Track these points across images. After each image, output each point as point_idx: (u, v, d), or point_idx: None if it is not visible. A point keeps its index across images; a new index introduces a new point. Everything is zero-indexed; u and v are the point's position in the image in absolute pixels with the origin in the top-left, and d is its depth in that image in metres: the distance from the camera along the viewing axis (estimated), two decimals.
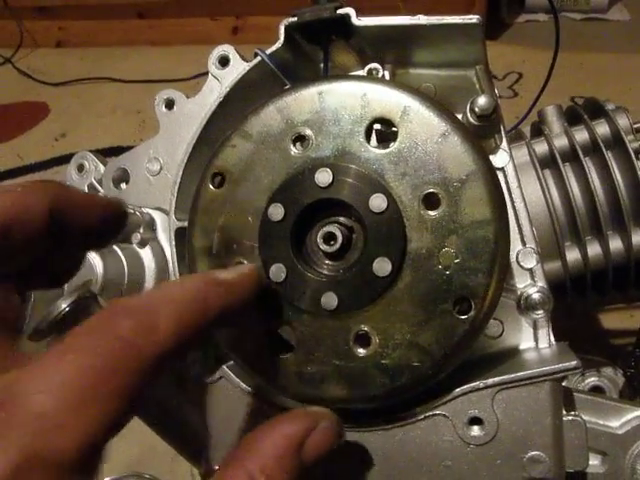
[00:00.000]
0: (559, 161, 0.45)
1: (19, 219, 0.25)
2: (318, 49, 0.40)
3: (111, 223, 0.29)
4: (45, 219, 0.25)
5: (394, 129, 0.30)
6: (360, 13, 0.37)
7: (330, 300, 0.29)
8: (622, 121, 0.44)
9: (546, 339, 0.36)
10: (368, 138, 0.30)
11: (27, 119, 1.50)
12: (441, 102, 0.31)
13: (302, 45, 0.39)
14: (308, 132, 0.31)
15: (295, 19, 0.38)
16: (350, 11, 0.36)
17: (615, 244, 0.44)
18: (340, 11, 0.36)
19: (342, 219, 0.30)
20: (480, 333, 0.30)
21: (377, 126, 0.32)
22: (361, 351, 0.29)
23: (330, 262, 0.30)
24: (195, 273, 0.33)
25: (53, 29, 1.83)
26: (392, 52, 0.39)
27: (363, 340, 0.30)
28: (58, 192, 0.26)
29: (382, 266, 0.29)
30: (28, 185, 0.26)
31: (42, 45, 1.83)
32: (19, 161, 1.33)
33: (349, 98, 0.31)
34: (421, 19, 0.36)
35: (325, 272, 0.30)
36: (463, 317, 0.29)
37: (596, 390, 0.55)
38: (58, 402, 0.19)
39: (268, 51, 0.39)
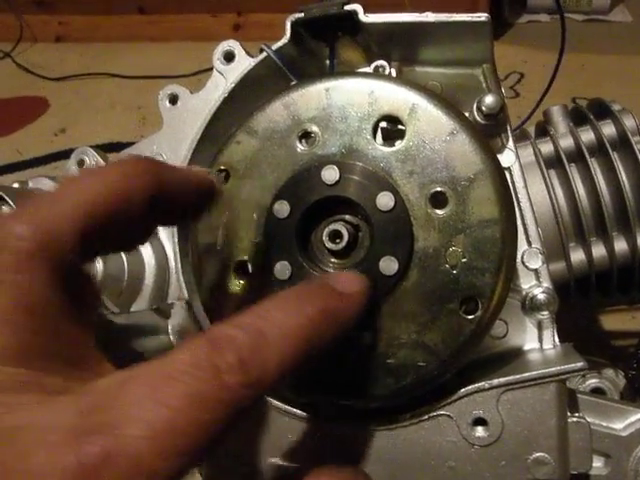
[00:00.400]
0: (565, 161, 0.45)
1: (118, 210, 0.22)
2: (324, 45, 0.40)
3: (205, 198, 0.28)
4: (144, 207, 0.23)
5: (401, 127, 0.30)
6: (366, 10, 0.37)
7: None
8: (628, 122, 0.44)
9: (551, 340, 0.36)
10: (375, 136, 0.30)
11: (26, 114, 1.49)
12: (449, 100, 0.31)
13: (308, 41, 0.39)
14: (315, 129, 0.31)
15: (302, 15, 0.37)
16: (357, 7, 0.36)
17: (620, 245, 0.44)
18: (347, 7, 0.36)
19: (348, 217, 0.30)
20: (486, 333, 0.30)
21: (384, 124, 0.32)
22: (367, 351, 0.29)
23: (336, 260, 0.30)
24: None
25: (53, 24, 1.82)
26: (399, 49, 0.38)
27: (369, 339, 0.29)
28: (159, 175, 0.24)
29: (389, 265, 0.28)
30: (128, 168, 0.23)
31: (42, 40, 1.82)
32: (18, 156, 1.32)
33: (356, 95, 0.30)
34: (429, 16, 0.35)
35: (331, 270, 0.30)
36: (470, 317, 0.28)
37: (597, 392, 0.55)
38: (155, 449, 0.18)
39: (274, 47, 0.39)
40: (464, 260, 0.28)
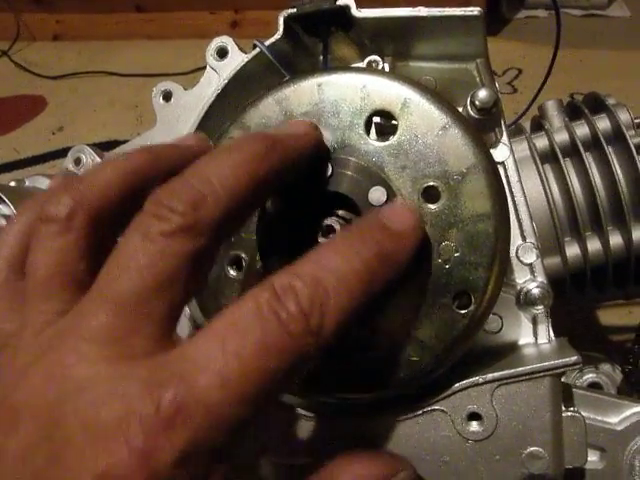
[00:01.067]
0: (559, 156, 0.45)
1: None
2: (317, 41, 0.39)
3: None
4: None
5: (394, 122, 0.30)
6: (360, 4, 0.37)
7: None
8: (623, 116, 0.44)
9: (545, 334, 0.36)
10: (368, 130, 0.30)
11: (24, 112, 1.49)
12: (442, 95, 0.31)
13: (301, 37, 0.39)
14: None
15: (294, 10, 0.37)
16: (350, 2, 0.36)
17: (615, 240, 0.44)
18: (340, 2, 0.36)
19: (341, 212, 0.30)
20: (480, 328, 0.30)
21: (377, 119, 0.32)
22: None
23: None
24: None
25: (50, 22, 1.82)
26: (392, 44, 0.38)
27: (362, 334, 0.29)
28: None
29: None
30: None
31: (39, 38, 1.82)
32: (15, 155, 1.32)
33: (349, 90, 0.30)
34: (421, 11, 0.35)
35: None
36: (463, 312, 0.28)
37: (594, 386, 0.55)
38: (226, 397, 0.19)
39: (267, 43, 0.38)
40: (457, 254, 0.28)
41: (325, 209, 0.30)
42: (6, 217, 0.58)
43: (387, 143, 0.29)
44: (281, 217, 0.30)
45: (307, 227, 0.30)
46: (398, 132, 0.29)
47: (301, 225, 0.30)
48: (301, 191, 0.29)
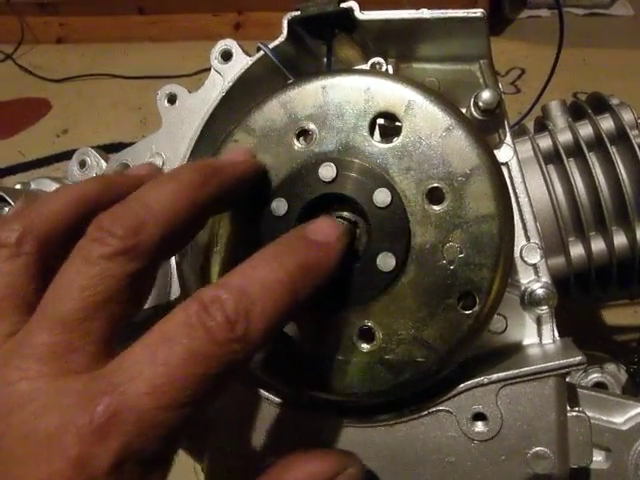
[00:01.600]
0: (563, 156, 0.45)
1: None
2: (321, 43, 0.40)
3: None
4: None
5: (398, 123, 0.30)
6: (363, 7, 0.37)
7: (333, 295, 0.29)
8: (627, 116, 0.44)
9: (550, 335, 0.36)
10: (372, 132, 0.30)
11: (28, 115, 1.49)
12: (445, 96, 0.31)
13: (305, 39, 0.39)
14: (312, 126, 0.31)
15: (298, 13, 0.37)
16: (353, 5, 0.36)
17: (619, 239, 0.44)
18: (343, 5, 0.36)
19: (346, 214, 0.30)
20: (485, 328, 0.30)
21: (381, 120, 0.32)
22: (365, 346, 0.29)
23: None
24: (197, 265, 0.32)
25: (54, 25, 1.83)
26: (395, 46, 0.38)
27: (367, 335, 0.29)
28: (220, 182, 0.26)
29: (386, 261, 0.28)
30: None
31: (43, 41, 1.83)
32: (20, 157, 1.33)
33: (353, 92, 0.30)
34: (424, 13, 0.35)
35: None
36: (467, 312, 0.29)
37: (599, 386, 0.55)
38: (156, 403, 0.20)
39: (271, 45, 0.39)
40: (461, 255, 0.28)
41: (330, 211, 0.30)
42: None
43: (391, 145, 0.30)
44: (286, 220, 0.30)
45: None
46: (402, 134, 0.30)
47: None
48: (305, 194, 0.30)
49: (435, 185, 0.29)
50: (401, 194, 0.29)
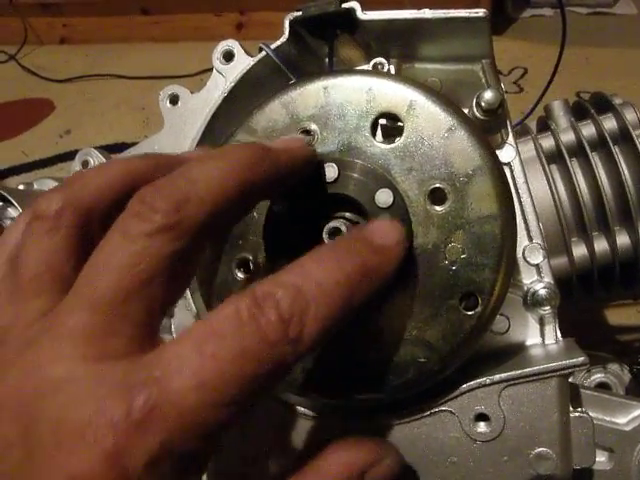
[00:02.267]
0: (566, 156, 0.44)
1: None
2: (323, 43, 0.40)
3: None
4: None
5: (400, 124, 0.30)
6: (365, 7, 0.37)
7: None
8: (630, 115, 0.44)
9: (553, 335, 0.36)
10: (374, 133, 0.30)
11: (32, 116, 1.50)
12: (447, 96, 0.31)
13: (307, 40, 0.39)
14: (313, 127, 0.31)
15: (300, 13, 0.37)
16: (355, 5, 0.36)
17: (622, 239, 0.43)
18: (345, 5, 0.36)
19: (348, 214, 0.30)
20: (487, 329, 0.30)
21: (383, 121, 0.32)
22: (368, 347, 0.29)
23: None
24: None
25: (57, 26, 1.83)
26: (397, 46, 0.38)
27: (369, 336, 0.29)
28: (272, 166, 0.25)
29: None
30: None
31: (46, 42, 1.83)
32: (24, 157, 1.33)
33: (354, 93, 0.30)
34: (426, 13, 0.35)
35: None
36: (470, 313, 0.29)
37: (602, 387, 0.54)
38: (202, 399, 0.18)
39: (273, 46, 0.39)
40: (463, 256, 0.28)
41: (332, 211, 0.30)
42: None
43: (393, 145, 0.30)
44: (288, 220, 0.30)
45: (314, 229, 0.30)
46: (404, 134, 0.30)
47: (308, 227, 0.30)
48: (307, 194, 0.30)
49: (437, 186, 0.29)
50: (403, 195, 0.29)
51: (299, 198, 0.30)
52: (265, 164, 0.24)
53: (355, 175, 0.29)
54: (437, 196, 0.29)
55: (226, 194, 0.22)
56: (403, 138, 0.30)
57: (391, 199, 0.29)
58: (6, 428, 0.19)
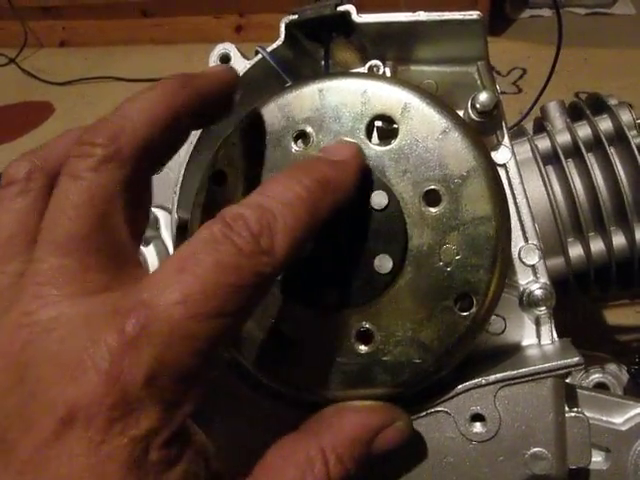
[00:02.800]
0: (562, 157, 0.45)
1: (171, 123, 0.25)
2: (319, 46, 0.40)
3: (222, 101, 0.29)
4: (189, 117, 0.26)
5: (395, 126, 0.30)
6: (361, 10, 0.37)
7: (331, 296, 0.29)
8: (625, 116, 0.44)
9: (549, 335, 0.36)
10: (369, 135, 0.30)
11: (32, 119, 1.50)
12: (442, 99, 0.31)
13: (303, 42, 0.39)
14: (309, 129, 0.31)
15: (296, 17, 0.38)
16: (350, 8, 0.36)
17: (618, 240, 0.44)
18: (340, 8, 0.36)
19: (342, 216, 0.30)
20: (482, 330, 0.30)
21: (378, 123, 0.32)
22: (363, 348, 0.30)
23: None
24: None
25: (57, 29, 1.84)
26: (393, 49, 0.39)
27: (365, 337, 0.30)
28: (195, 86, 0.26)
29: (383, 263, 0.29)
30: (173, 86, 0.26)
31: (46, 45, 1.84)
32: None
33: (349, 95, 0.31)
34: (421, 15, 0.36)
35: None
36: (465, 314, 0.29)
37: (600, 387, 0.54)
38: (188, 312, 0.19)
39: (269, 49, 0.39)
40: (458, 257, 0.29)
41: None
42: None
43: (388, 147, 0.30)
44: None
45: None
46: (399, 137, 0.30)
47: None
48: None
49: (432, 187, 0.29)
50: (398, 196, 0.29)
51: None
52: (187, 89, 0.26)
53: None
54: (432, 198, 0.29)
55: (156, 119, 0.24)
56: (398, 140, 0.30)
57: (386, 201, 0.29)
58: (1, 378, 0.20)
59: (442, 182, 0.29)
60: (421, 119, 0.30)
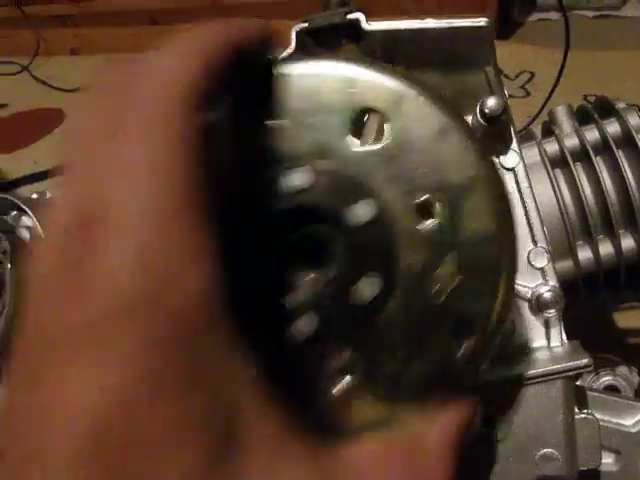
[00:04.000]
0: (570, 161, 0.45)
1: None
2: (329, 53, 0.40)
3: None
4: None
5: (385, 122, 0.25)
6: (371, 17, 0.37)
7: (308, 325, 0.23)
8: (633, 120, 0.44)
9: (558, 338, 0.36)
10: (355, 132, 0.25)
11: (43, 125, 1.52)
12: (441, 93, 0.27)
13: (313, 50, 0.40)
14: (284, 122, 0.25)
15: (306, 25, 0.38)
16: (360, 16, 0.37)
17: (627, 243, 0.44)
18: (350, 16, 0.37)
19: (320, 229, 0.24)
20: (483, 362, 0.26)
21: (366, 118, 0.26)
22: (345, 382, 0.24)
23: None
24: None
25: (68, 37, 1.86)
26: (402, 55, 0.39)
27: (347, 370, 0.24)
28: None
29: (368, 287, 0.23)
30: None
31: (57, 53, 1.86)
32: (35, 167, 1.35)
33: (334, 83, 0.25)
34: (430, 22, 0.36)
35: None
36: (463, 344, 0.24)
37: (611, 389, 0.55)
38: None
39: (280, 57, 0.39)
40: (456, 280, 0.24)
41: (296, 227, 0.24)
42: (29, 229, 0.59)
43: (376, 147, 0.25)
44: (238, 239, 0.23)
45: (271, 249, 0.24)
46: (390, 135, 0.25)
47: (263, 247, 0.24)
48: (265, 205, 0.24)
49: (426, 198, 0.24)
50: (386, 207, 0.24)
51: (252, 210, 0.24)
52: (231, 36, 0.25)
53: (329, 183, 0.24)
54: (426, 210, 0.24)
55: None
56: (388, 139, 0.25)
57: (372, 212, 0.24)
58: None
59: (438, 192, 0.24)
60: (416, 115, 0.25)
